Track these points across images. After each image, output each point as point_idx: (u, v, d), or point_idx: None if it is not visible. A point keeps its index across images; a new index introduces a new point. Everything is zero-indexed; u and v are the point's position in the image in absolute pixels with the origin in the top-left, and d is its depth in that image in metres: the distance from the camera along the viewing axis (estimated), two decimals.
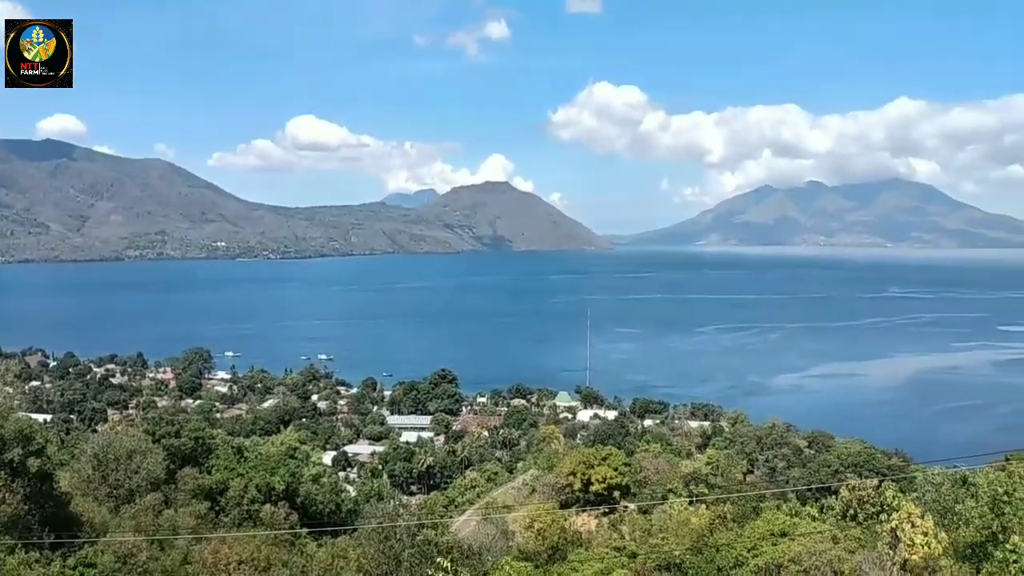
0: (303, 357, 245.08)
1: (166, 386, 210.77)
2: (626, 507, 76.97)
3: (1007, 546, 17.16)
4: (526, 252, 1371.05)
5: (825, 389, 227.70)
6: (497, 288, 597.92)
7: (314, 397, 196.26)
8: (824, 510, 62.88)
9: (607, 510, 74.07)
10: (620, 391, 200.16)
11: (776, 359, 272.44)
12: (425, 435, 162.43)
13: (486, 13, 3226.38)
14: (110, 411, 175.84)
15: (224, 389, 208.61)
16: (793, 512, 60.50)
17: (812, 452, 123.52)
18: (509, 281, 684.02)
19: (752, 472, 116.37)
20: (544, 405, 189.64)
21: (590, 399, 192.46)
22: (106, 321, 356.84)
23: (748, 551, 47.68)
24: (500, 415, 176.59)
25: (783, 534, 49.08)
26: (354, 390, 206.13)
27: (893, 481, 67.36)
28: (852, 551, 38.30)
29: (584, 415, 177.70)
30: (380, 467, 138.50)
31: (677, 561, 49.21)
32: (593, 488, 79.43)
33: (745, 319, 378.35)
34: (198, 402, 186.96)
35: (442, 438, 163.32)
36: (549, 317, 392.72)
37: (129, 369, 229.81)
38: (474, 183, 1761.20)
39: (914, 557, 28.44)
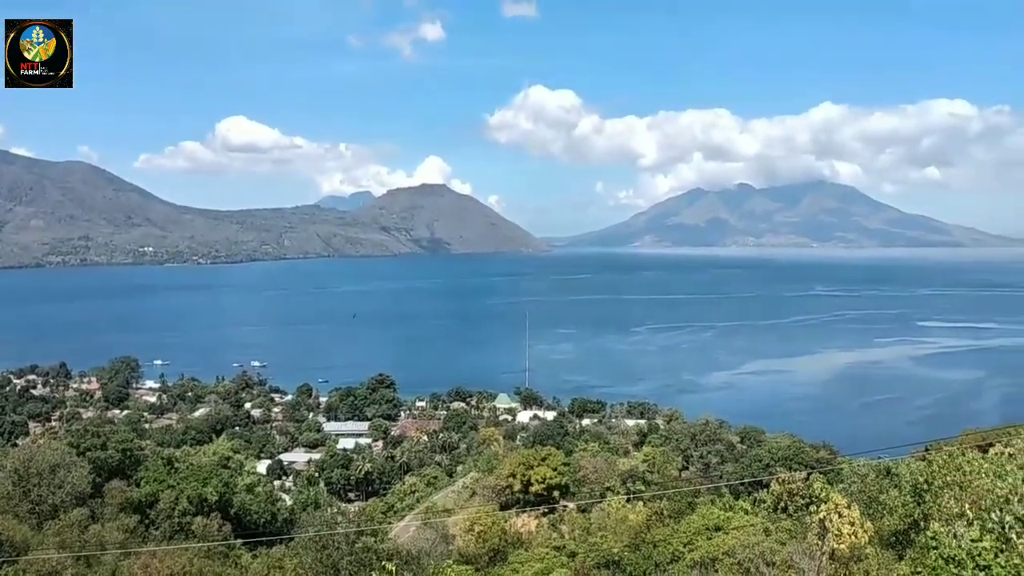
0: (235, 364, 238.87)
1: (91, 397, 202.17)
2: (565, 507, 77.50)
3: (928, 533, 17.98)
4: (464, 254, 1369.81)
5: (755, 385, 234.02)
6: (435, 291, 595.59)
7: (247, 405, 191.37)
8: (756, 503, 64.59)
9: (547, 510, 74.45)
10: (559, 391, 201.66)
11: (709, 357, 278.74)
12: (363, 441, 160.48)
13: (421, 15, 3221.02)
14: (31, 424, 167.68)
15: (153, 399, 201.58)
16: (727, 506, 61.97)
17: (744, 447, 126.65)
18: (447, 284, 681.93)
19: (687, 468, 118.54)
20: (484, 407, 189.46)
21: (529, 400, 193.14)
22: (26, 330, 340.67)
23: (684, 546, 48.62)
24: (439, 419, 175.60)
25: (717, 528, 50.21)
26: (289, 397, 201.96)
27: (821, 473, 69.82)
28: (783, 542, 39.46)
29: (524, 416, 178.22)
30: (317, 475, 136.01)
31: (616, 558, 49.82)
32: (533, 489, 79.72)
33: (679, 319, 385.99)
34: (125, 412, 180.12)
35: (380, 444, 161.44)
36: (488, 319, 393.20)
37: (51, 380, 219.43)
38: (411, 185, 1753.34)
39: (841, 546, 29.42)
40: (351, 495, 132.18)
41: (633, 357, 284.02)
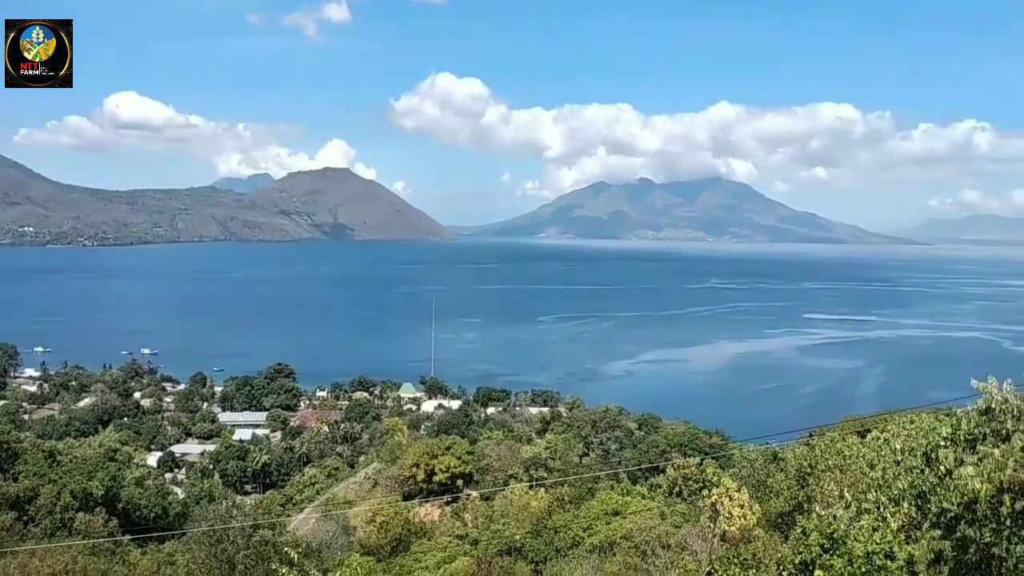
0: (124, 352, 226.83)
1: None
2: (469, 495, 77.93)
3: (812, 516, 19.13)
4: (368, 241, 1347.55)
5: (654, 374, 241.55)
6: (338, 278, 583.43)
7: (137, 395, 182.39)
8: (653, 488, 66.88)
9: (450, 499, 74.65)
10: (464, 380, 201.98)
11: (610, 346, 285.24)
12: (260, 432, 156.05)
13: None
14: None
15: (33, 388, 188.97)
16: (625, 491, 63.88)
17: (642, 434, 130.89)
18: (351, 271, 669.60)
19: (588, 454, 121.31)
20: (388, 397, 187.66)
21: (434, 390, 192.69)
22: None
23: (584, 531, 49.84)
24: (341, 409, 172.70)
25: (616, 513, 51.71)
26: (182, 386, 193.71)
27: (713, 459, 72.97)
28: (678, 526, 41.03)
29: (428, 406, 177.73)
30: (211, 467, 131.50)
31: (518, 545, 50.53)
32: (436, 478, 79.71)
33: (582, 309, 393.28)
34: (2, 403, 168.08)
35: (279, 435, 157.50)
36: (393, 308, 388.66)
37: None
38: (313, 168, 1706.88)
39: (732, 528, 30.84)
40: (248, 487, 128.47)
41: (538, 346, 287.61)
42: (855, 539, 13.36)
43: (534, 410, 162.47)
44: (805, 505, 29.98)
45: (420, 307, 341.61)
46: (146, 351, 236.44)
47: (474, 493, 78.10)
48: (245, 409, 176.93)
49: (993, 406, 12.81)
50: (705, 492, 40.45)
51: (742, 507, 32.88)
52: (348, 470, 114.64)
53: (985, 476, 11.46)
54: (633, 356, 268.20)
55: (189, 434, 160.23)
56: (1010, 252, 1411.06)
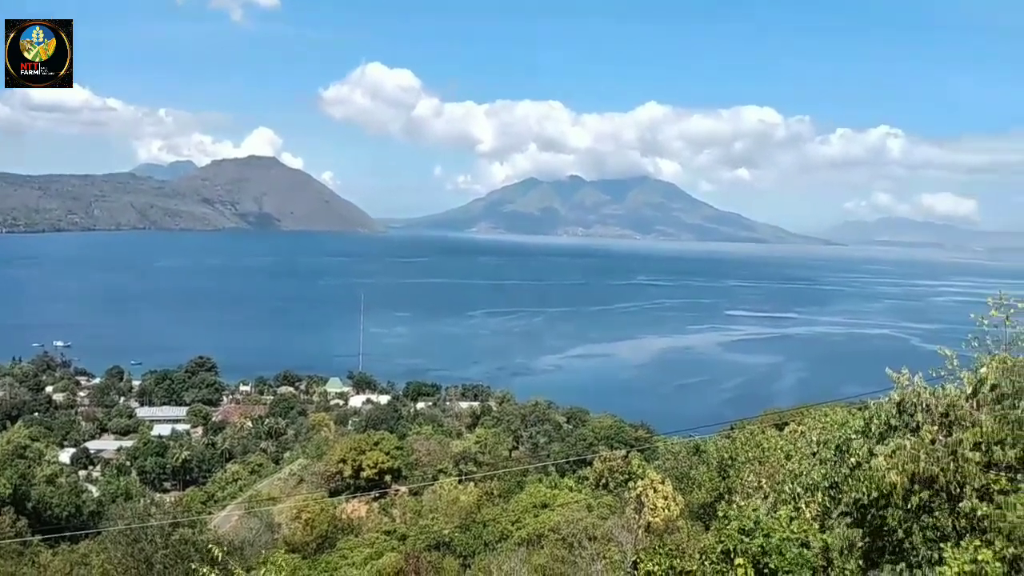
0: (35, 344, 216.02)
1: None
2: (397, 490, 77.52)
3: (726, 505, 19.84)
4: (295, 232, 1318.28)
5: (582, 368, 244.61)
6: (264, 269, 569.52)
7: (48, 389, 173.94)
8: (581, 480, 67.87)
9: (378, 495, 74.08)
10: (393, 375, 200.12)
11: (540, 341, 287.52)
12: (181, 427, 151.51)
13: None
14: None
15: None
16: (553, 484, 64.63)
17: (570, 427, 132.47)
18: (277, 262, 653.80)
19: (517, 448, 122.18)
20: (314, 392, 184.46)
21: (362, 384, 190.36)
22: None
23: (512, 524, 50.21)
24: (265, 404, 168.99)
25: (544, 505, 52.28)
26: (97, 380, 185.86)
27: (639, 451, 74.53)
28: (604, 517, 41.78)
29: (356, 401, 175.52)
30: (128, 463, 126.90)
31: (446, 539, 50.56)
32: (364, 474, 79.05)
33: (512, 304, 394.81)
34: None
35: (200, 430, 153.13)
36: (320, 301, 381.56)
37: None
38: (238, 156, 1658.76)
39: (656, 519, 31.61)
40: (167, 484, 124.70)
41: (468, 341, 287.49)
42: (773, 528, 13.91)
43: (464, 405, 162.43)
44: (726, 496, 30.93)
45: (348, 300, 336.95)
46: (59, 343, 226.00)
47: (403, 488, 77.75)
48: (164, 404, 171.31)
49: (905, 400, 13.55)
50: (631, 484, 41.36)
51: (666, 498, 33.76)
52: (273, 466, 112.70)
53: (899, 468, 12.11)
54: (562, 351, 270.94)
55: (105, 430, 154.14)
56: (918, 253, 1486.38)
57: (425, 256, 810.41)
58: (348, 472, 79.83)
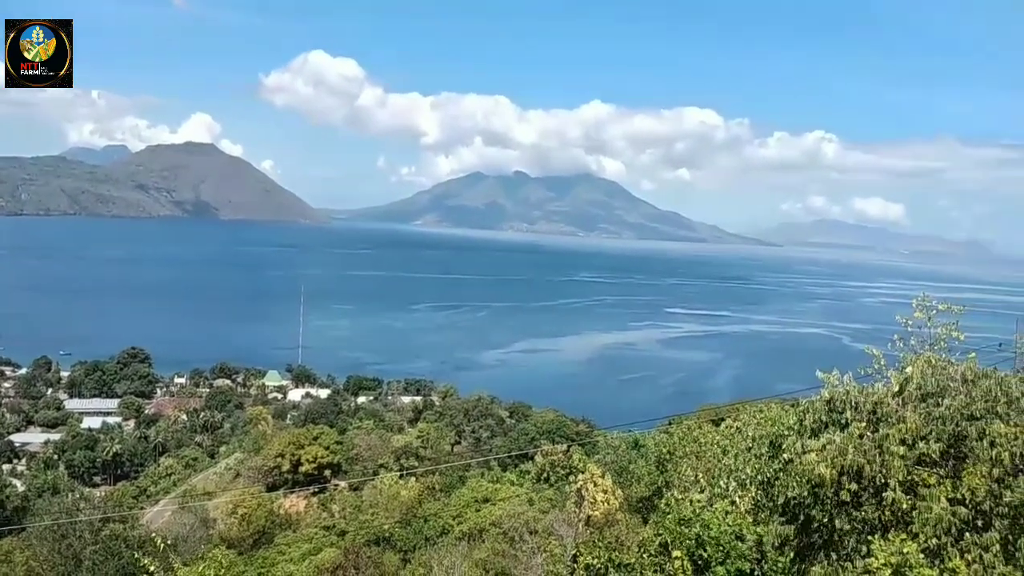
0: None
1: None
2: (337, 485, 76.75)
3: (665, 500, 20.34)
4: (234, 221, 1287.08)
5: (525, 363, 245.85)
6: (202, 259, 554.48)
7: None
8: (522, 475, 68.29)
9: (317, 490, 73.22)
10: (334, 369, 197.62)
11: (484, 336, 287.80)
12: (112, 420, 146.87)
13: None
14: None
15: None
16: (495, 479, 64.92)
17: (513, 422, 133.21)
18: (215, 251, 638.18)
19: (460, 443, 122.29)
20: (252, 385, 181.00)
21: (302, 378, 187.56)
22: None
23: (454, 519, 50.23)
24: (201, 397, 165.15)
25: (486, 500, 52.42)
26: (23, 371, 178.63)
27: (580, 445, 75.28)
28: (545, 511, 42.17)
29: (295, 394, 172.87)
30: (56, 457, 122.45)
31: (386, 535, 50.29)
32: (303, 468, 78.15)
33: (456, 298, 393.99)
34: None
35: (132, 423, 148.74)
36: (260, 292, 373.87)
37: None
38: (174, 142, 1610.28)
39: (596, 513, 32.05)
40: (97, 479, 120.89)
41: (412, 334, 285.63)
42: (710, 522, 14.31)
43: (406, 399, 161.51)
44: (664, 490, 31.59)
45: (288, 292, 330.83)
46: None
47: (342, 483, 77.00)
48: (95, 396, 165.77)
49: (835, 397, 14.08)
50: (571, 478, 41.82)
51: (606, 492, 34.25)
52: (208, 460, 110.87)
53: (829, 462, 12.60)
54: (506, 346, 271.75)
55: (31, 422, 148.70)
56: (850, 255, 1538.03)
57: (369, 248, 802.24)
58: (286, 467, 78.76)
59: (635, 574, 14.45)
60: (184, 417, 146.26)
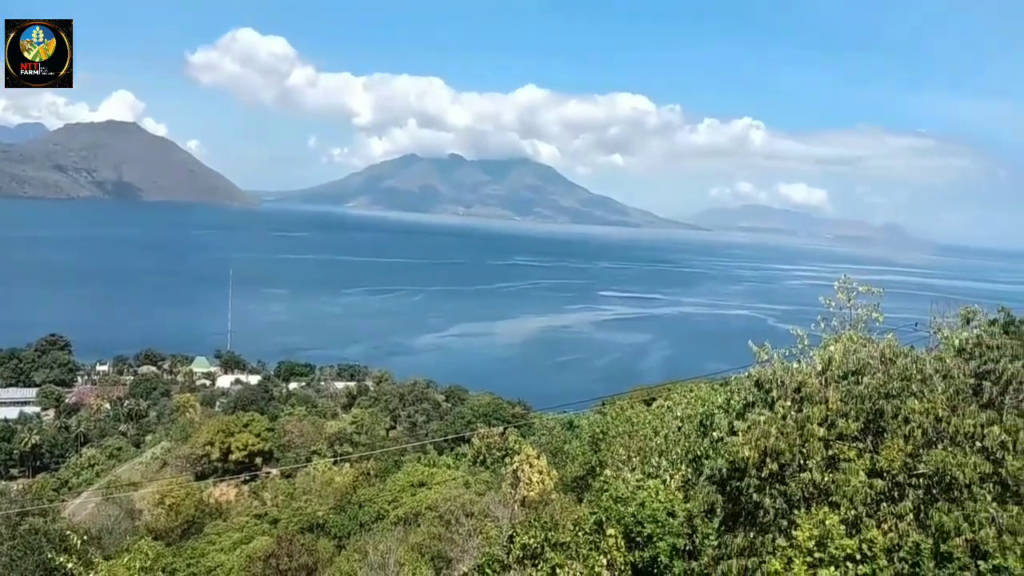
0: None
1: None
2: (268, 473, 75.60)
3: (601, 478, 20.71)
4: (159, 203, 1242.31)
5: (462, 347, 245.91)
6: (125, 241, 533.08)
7: None
8: (459, 458, 68.51)
9: (248, 478, 71.95)
10: (265, 354, 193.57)
11: (419, 320, 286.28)
12: (30, 410, 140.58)
13: None
14: None
15: None
16: (431, 463, 64.89)
17: (449, 406, 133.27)
18: (139, 234, 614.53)
19: (395, 428, 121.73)
20: (179, 372, 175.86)
21: (231, 364, 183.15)
22: None
23: (389, 504, 50.08)
24: (125, 385, 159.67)
25: (422, 484, 52.41)
26: None
27: (516, 428, 75.92)
28: (481, 493, 42.41)
29: (224, 381, 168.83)
30: None
31: (320, 521, 49.85)
32: (233, 456, 76.73)
33: (391, 282, 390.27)
34: None
35: (52, 413, 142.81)
36: (187, 276, 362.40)
37: None
38: (95, 120, 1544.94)
39: (531, 493, 32.43)
40: (14, 471, 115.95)
41: (345, 319, 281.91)
42: (643, 500, 14.64)
43: (340, 385, 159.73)
44: (597, 469, 32.14)
45: (216, 276, 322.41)
46: None
47: (274, 471, 75.89)
48: (11, 385, 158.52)
49: (762, 377, 14.55)
50: (507, 460, 42.18)
51: (541, 473, 34.67)
52: (133, 450, 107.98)
53: (752, 444, 13.03)
54: (442, 330, 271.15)
55: None
56: (776, 239, 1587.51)
57: (300, 231, 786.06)
58: (216, 455, 77.16)
59: (571, 552, 14.69)
60: (107, 406, 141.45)
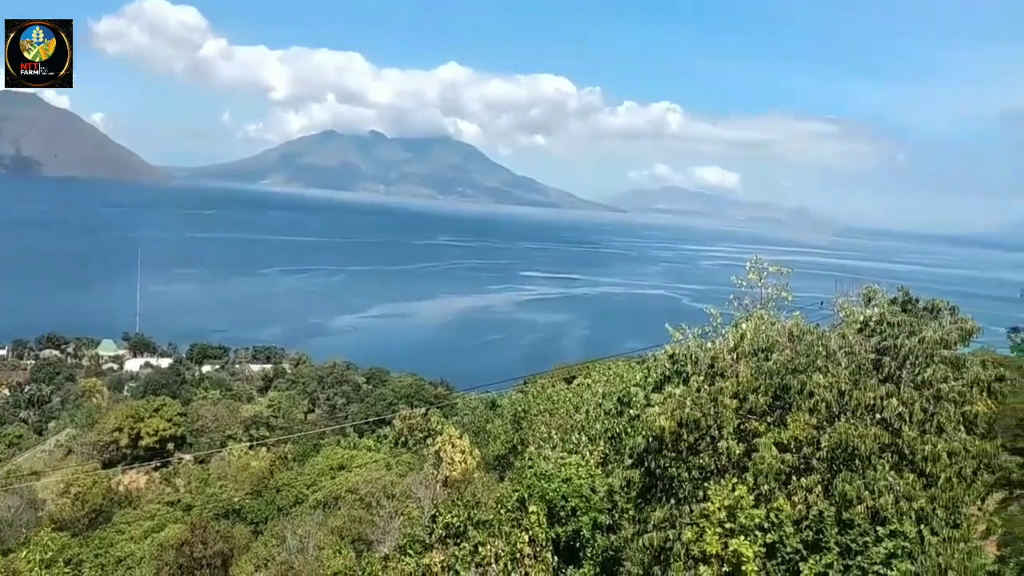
0: None
1: None
2: (181, 459, 73.44)
3: (525, 456, 20.96)
4: (61, 178, 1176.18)
5: (383, 328, 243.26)
6: (24, 219, 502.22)
7: None
8: (380, 440, 68.08)
9: (160, 464, 69.68)
10: (176, 337, 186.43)
11: (339, 300, 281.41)
12: None
13: None
14: None
15: None
16: (352, 445, 64.29)
17: (370, 387, 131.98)
18: (39, 212, 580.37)
19: (314, 411, 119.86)
20: (84, 356, 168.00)
21: (140, 347, 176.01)
22: None
23: (308, 487, 49.45)
24: (26, 369, 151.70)
25: (341, 467, 51.93)
26: None
27: (438, 408, 75.93)
28: (403, 475, 42.34)
29: (133, 364, 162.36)
30: None
31: (236, 507, 48.83)
32: (143, 443, 74.22)
33: (309, 261, 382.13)
34: None
35: None
36: (92, 256, 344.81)
37: None
38: None
39: (454, 473, 32.54)
40: None
41: (260, 300, 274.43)
42: (568, 475, 14.89)
43: (256, 367, 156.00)
44: (519, 447, 32.51)
45: (124, 256, 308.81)
46: None
47: (187, 456, 73.78)
48: None
49: (677, 353, 14.94)
50: (430, 441, 42.15)
51: (463, 452, 34.80)
52: (35, 438, 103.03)
53: (668, 414, 13.40)
54: (362, 310, 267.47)
55: None
56: (692, 221, 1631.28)
57: (212, 208, 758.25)
58: (125, 441, 74.42)
59: (493, 530, 14.81)
60: (6, 392, 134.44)
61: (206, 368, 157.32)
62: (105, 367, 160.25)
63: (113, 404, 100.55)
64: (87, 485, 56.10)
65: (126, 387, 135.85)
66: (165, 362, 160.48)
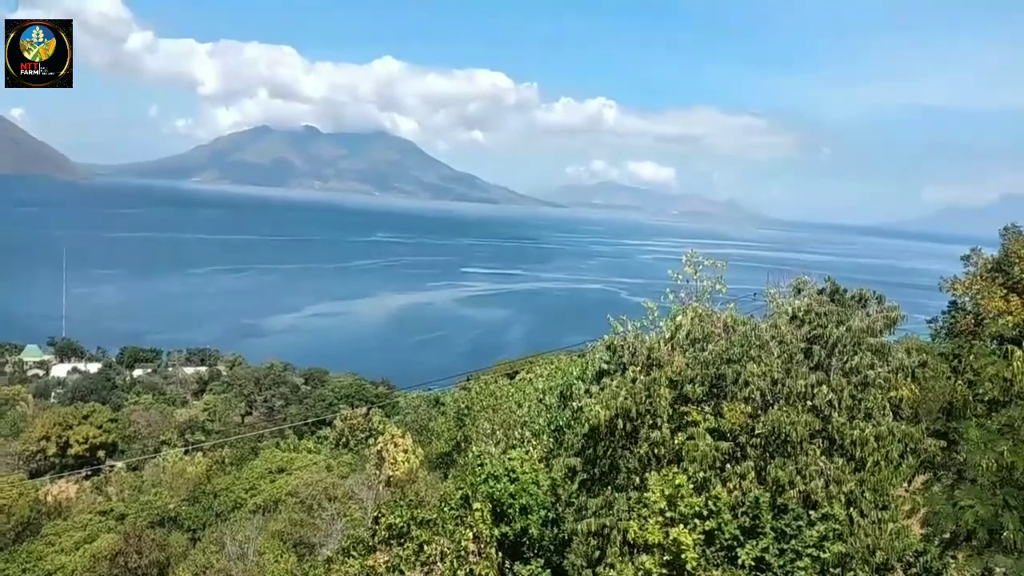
0: None
1: None
2: (113, 467, 71.12)
3: (470, 452, 21.04)
4: None
5: (321, 328, 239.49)
6: None
7: None
8: (320, 441, 67.20)
9: (90, 472, 67.33)
10: (105, 341, 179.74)
11: (274, 300, 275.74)
12: None
13: None
14: None
15: None
16: (291, 448, 63.30)
17: (309, 388, 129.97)
18: None
19: (251, 413, 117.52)
20: (6, 362, 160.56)
21: (67, 352, 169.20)
22: None
23: (247, 492, 48.56)
24: None
25: (281, 470, 51.13)
26: None
27: (380, 407, 75.32)
28: (345, 476, 41.91)
29: (60, 370, 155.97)
30: None
31: (172, 514, 47.69)
32: (72, 451, 71.71)
33: (242, 261, 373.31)
34: None
35: None
36: (10, 256, 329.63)
37: None
38: None
39: (397, 473, 32.39)
40: None
41: (192, 301, 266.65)
42: (521, 472, 15.01)
43: (190, 370, 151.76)
44: (463, 444, 32.56)
45: (46, 256, 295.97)
46: None
47: (119, 464, 71.53)
48: None
49: (615, 344, 15.22)
50: (372, 441, 41.83)
51: (406, 452, 34.68)
52: None
53: (604, 403, 13.66)
54: (299, 310, 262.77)
55: None
56: (628, 215, 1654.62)
57: (138, 207, 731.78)
58: (52, 450, 71.73)
59: (437, 528, 14.82)
60: None
61: (138, 372, 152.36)
62: (30, 374, 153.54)
63: (39, 412, 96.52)
64: (13, 497, 53.90)
65: (53, 394, 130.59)
66: (94, 367, 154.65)
